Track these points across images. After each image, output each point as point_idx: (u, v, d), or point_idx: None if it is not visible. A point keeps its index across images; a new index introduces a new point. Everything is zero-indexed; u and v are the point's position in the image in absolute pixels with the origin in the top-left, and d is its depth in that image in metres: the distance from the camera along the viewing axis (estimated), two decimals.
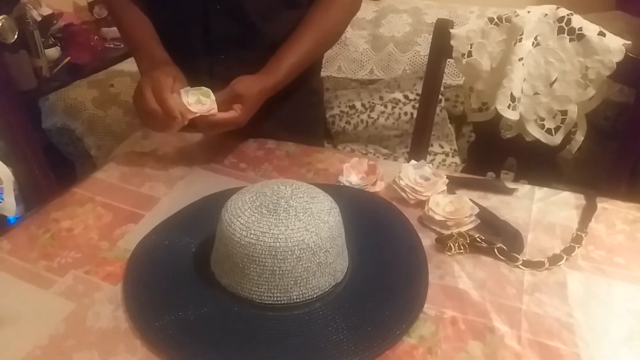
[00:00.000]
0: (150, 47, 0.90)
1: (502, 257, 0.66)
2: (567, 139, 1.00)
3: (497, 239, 0.69)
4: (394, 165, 0.86)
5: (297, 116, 1.03)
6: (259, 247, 0.55)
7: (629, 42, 0.91)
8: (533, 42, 0.97)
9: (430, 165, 0.80)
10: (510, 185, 0.81)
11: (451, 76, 1.73)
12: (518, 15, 0.97)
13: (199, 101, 0.79)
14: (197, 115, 0.78)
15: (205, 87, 0.80)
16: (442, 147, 1.75)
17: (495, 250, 0.67)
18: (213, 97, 0.80)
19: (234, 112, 0.80)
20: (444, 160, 1.73)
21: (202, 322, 0.56)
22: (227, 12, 0.89)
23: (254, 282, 0.57)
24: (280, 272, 0.56)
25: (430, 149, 1.66)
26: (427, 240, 0.69)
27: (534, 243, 0.70)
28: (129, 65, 1.92)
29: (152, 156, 0.90)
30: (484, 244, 0.67)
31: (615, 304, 0.60)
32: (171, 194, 0.80)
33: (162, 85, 0.77)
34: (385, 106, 1.75)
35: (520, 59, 0.96)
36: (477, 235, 0.68)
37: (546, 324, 0.57)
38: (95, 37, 1.97)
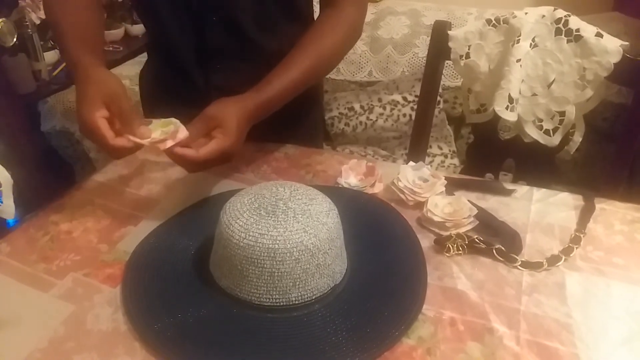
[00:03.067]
0: (73, 53, 0.75)
1: (501, 258, 0.66)
2: (566, 140, 1.00)
3: (495, 240, 0.69)
4: (392, 167, 0.86)
5: (295, 118, 1.03)
6: (258, 248, 0.55)
7: (627, 43, 0.91)
8: (531, 44, 0.97)
9: (429, 166, 0.80)
10: (509, 186, 0.81)
11: (449, 78, 1.73)
12: (516, 16, 0.97)
13: (164, 133, 0.68)
14: (168, 146, 0.68)
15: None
16: (440, 148, 1.76)
17: (494, 251, 0.67)
18: (176, 131, 0.68)
19: (217, 140, 0.70)
20: (442, 162, 1.74)
21: (201, 324, 0.56)
22: (223, 24, 0.88)
23: (253, 284, 0.57)
24: (279, 273, 0.56)
25: (428, 150, 1.66)
26: (425, 241, 0.70)
27: (533, 244, 0.70)
28: (128, 68, 1.92)
29: (151, 159, 0.90)
30: (482, 245, 0.67)
31: (613, 305, 0.60)
32: (170, 196, 0.80)
33: (103, 134, 0.65)
34: (384, 108, 1.75)
35: (518, 60, 0.96)
36: (475, 237, 0.68)
37: (545, 324, 0.57)
38: None
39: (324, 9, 0.89)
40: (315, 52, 0.83)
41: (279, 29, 0.92)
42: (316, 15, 0.94)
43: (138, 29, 2.11)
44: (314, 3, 0.97)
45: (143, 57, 1.10)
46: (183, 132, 0.69)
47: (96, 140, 0.67)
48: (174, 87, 0.98)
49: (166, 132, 0.68)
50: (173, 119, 0.70)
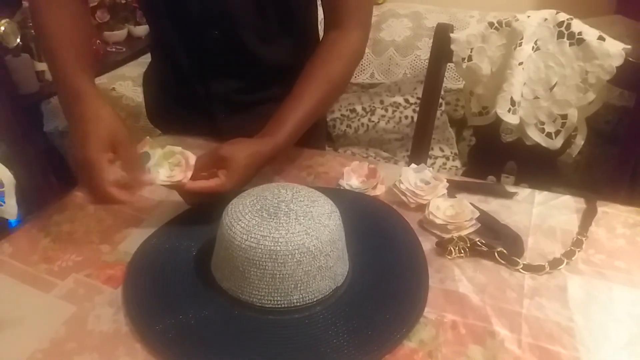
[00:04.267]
0: (71, 76, 0.70)
1: (503, 261, 0.66)
2: (568, 142, 1.00)
3: (497, 242, 0.69)
4: (394, 169, 0.86)
5: None
6: (260, 250, 0.55)
7: (629, 46, 0.91)
8: (533, 47, 0.97)
9: (431, 169, 0.80)
10: (511, 189, 0.81)
11: (451, 80, 1.73)
12: (518, 19, 0.97)
13: (173, 165, 0.67)
14: (189, 179, 0.68)
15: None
16: (442, 150, 1.75)
17: (496, 254, 0.67)
18: (187, 161, 0.68)
19: (217, 180, 0.69)
20: (444, 164, 1.73)
21: (203, 325, 0.56)
22: (224, 38, 0.88)
23: (255, 285, 0.57)
24: (281, 275, 0.56)
25: (430, 152, 1.66)
26: (427, 244, 0.69)
27: (535, 247, 0.70)
28: (131, 69, 1.93)
29: None
30: (484, 248, 0.67)
31: (615, 308, 0.60)
32: (172, 197, 0.80)
33: (102, 177, 0.62)
34: (386, 110, 1.75)
35: (520, 63, 0.96)
36: (477, 239, 0.68)
37: (546, 328, 0.57)
38: (97, 41, 1.98)
39: (329, 30, 0.87)
40: (324, 82, 0.81)
41: (280, 42, 0.91)
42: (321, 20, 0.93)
43: (141, 30, 2.12)
44: (319, 7, 0.96)
45: (146, 59, 1.10)
46: (192, 158, 0.68)
47: (90, 179, 0.63)
48: (177, 93, 0.98)
49: (174, 163, 0.67)
50: (174, 148, 0.68)
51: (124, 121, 0.69)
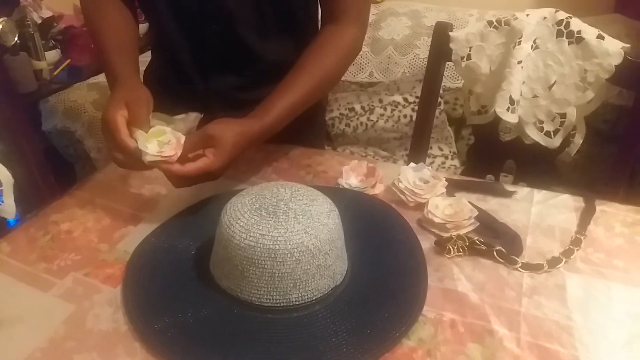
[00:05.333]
0: (112, 62, 0.81)
1: (501, 260, 0.66)
2: (566, 141, 1.00)
3: (496, 241, 0.69)
4: (393, 168, 0.86)
5: (299, 123, 1.03)
6: (258, 249, 0.55)
7: (628, 45, 0.91)
8: (532, 45, 0.97)
9: (430, 167, 0.80)
10: (509, 187, 0.81)
11: (450, 79, 1.73)
12: (517, 18, 0.97)
13: (162, 143, 0.68)
14: (157, 160, 0.67)
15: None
16: (441, 149, 1.75)
17: (495, 252, 0.67)
18: (177, 140, 0.68)
19: (205, 160, 0.69)
20: (443, 163, 1.74)
21: (202, 324, 0.56)
22: (223, 33, 0.88)
23: (253, 284, 0.57)
24: (280, 274, 0.56)
25: (429, 151, 1.66)
26: (426, 242, 0.70)
27: (533, 246, 0.70)
28: None
29: None
30: (483, 247, 0.67)
31: (614, 307, 0.60)
32: (170, 196, 0.80)
33: (117, 127, 0.67)
34: (385, 109, 1.75)
35: (519, 62, 0.96)
36: (476, 238, 0.68)
37: (545, 326, 0.57)
38: None
39: (326, 24, 0.88)
40: (316, 73, 0.83)
41: (279, 40, 0.92)
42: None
43: (141, 28, 2.11)
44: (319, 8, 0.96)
45: (146, 57, 1.10)
46: (182, 137, 0.68)
47: (109, 133, 0.68)
48: (176, 89, 0.99)
49: (164, 142, 0.67)
50: (164, 127, 0.69)
51: (145, 90, 0.76)
